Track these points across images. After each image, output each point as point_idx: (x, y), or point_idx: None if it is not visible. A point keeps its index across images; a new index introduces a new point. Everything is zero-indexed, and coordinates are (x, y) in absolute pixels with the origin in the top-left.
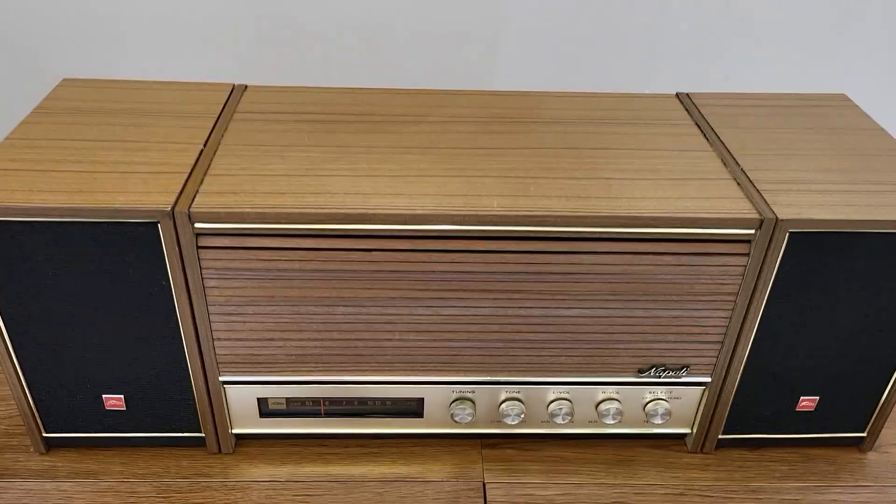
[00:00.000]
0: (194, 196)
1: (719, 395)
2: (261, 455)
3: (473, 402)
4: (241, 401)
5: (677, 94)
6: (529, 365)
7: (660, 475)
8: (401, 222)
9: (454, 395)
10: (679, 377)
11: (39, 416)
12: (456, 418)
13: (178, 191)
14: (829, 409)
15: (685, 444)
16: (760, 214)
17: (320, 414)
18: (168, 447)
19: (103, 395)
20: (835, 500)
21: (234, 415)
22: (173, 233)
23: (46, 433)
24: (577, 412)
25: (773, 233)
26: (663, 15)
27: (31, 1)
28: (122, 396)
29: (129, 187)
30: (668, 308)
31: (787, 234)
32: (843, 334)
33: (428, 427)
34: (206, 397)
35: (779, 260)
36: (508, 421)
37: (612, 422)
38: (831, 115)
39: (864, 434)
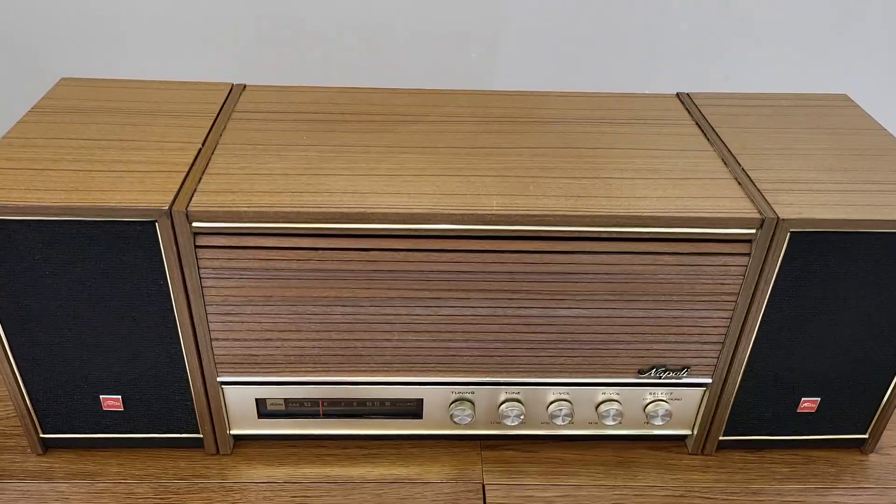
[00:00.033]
0: (192, 195)
1: (720, 397)
2: (259, 456)
3: (473, 403)
4: (240, 401)
5: (677, 94)
6: (529, 365)
7: (660, 477)
8: (399, 222)
9: (453, 396)
10: (679, 378)
11: (36, 416)
12: (455, 419)
13: (176, 190)
14: (830, 411)
15: (685, 446)
16: (761, 214)
17: (319, 415)
18: (166, 448)
19: (101, 396)
20: (836, 503)
21: (232, 415)
22: (171, 232)
23: (43, 434)
24: (577, 413)
25: (774, 233)
26: (663, 15)
27: (30, 1)
28: (119, 397)
29: (127, 186)
30: (669, 308)
31: (789, 234)
32: (845, 335)
33: (427, 428)
34: (203, 398)
35: (780, 260)
36: (508, 422)
37: (612, 423)
38: (832, 114)
39: (865, 436)
